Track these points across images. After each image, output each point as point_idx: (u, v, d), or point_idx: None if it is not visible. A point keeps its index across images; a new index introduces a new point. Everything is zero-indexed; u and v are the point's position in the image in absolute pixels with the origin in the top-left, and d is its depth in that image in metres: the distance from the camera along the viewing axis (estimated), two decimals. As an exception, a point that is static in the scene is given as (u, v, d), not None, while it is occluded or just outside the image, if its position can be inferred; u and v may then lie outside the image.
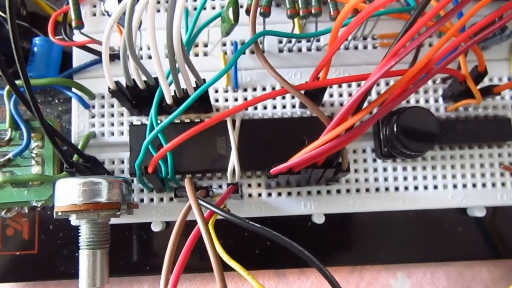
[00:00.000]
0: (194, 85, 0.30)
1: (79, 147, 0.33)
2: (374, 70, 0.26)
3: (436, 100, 0.36)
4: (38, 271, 0.36)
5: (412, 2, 0.31)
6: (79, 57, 0.36)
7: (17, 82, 0.27)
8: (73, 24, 0.31)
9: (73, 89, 0.35)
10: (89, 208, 0.28)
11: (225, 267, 0.25)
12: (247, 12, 0.31)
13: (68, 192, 0.28)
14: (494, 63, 0.36)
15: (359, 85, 0.36)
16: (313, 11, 0.31)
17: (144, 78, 0.30)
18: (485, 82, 0.36)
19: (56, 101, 0.38)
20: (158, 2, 0.37)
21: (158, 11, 0.37)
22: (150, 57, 0.36)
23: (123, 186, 0.30)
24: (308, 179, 0.33)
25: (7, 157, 0.33)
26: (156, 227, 0.35)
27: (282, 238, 0.24)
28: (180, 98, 0.30)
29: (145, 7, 0.25)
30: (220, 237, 0.36)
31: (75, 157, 0.32)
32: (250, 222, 0.25)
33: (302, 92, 0.32)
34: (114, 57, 0.34)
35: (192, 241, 0.25)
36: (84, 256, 0.29)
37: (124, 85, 0.31)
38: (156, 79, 0.30)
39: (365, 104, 0.27)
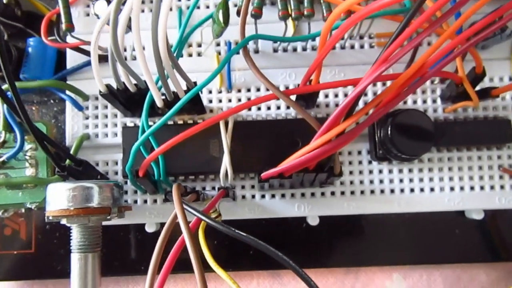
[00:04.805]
0: (184, 88, 0.30)
1: (72, 149, 0.34)
2: (365, 75, 0.25)
3: (434, 101, 0.35)
4: (36, 270, 0.37)
5: (408, 3, 0.30)
6: (73, 58, 0.36)
7: (5, 86, 0.27)
8: (64, 27, 0.31)
9: (67, 91, 0.35)
10: (80, 213, 0.28)
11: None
12: (238, 13, 0.30)
13: (59, 197, 0.29)
14: (495, 63, 0.35)
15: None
16: (305, 12, 0.30)
17: (134, 81, 0.30)
18: (485, 81, 0.35)
19: (52, 101, 0.38)
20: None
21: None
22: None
23: (114, 190, 0.30)
24: (301, 182, 0.32)
25: (1, 159, 0.33)
26: (150, 228, 0.35)
27: (267, 247, 0.23)
28: (171, 101, 0.30)
29: (129, 13, 0.25)
30: (215, 238, 0.36)
31: (68, 160, 0.32)
32: (236, 231, 0.24)
33: (294, 96, 0.31)
34: (106, 57, 0.34)
35: (177, 249, 0.25)
36: (75, 260, 0.29)
37: (115, 88, 0.31)
38: (146, 82, 0.30)
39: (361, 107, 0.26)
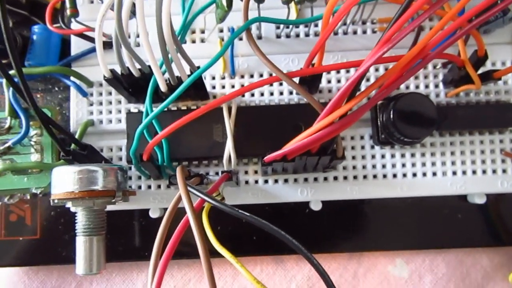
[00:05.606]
0: (188, 72, 0.30)
1: (77, 135, 0.34)
2: (366, 56, 0.25)
3: (437, 86, 0.35)
4: (41, 256, 0.37)
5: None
6: (77, 45, 0.36)
7: (12, 72, 0.28)
8: (68, 12, 0.32)
9: (71, 77, 0.35)
10: (85, 196, 0.29)
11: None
12: (241, -3, 0.30)
13: (64, 180, 0.29)
14: (497, 47, 0.35)
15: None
16: (308, -5, 0.30)
17: (138, 66, 0.30)
18: (488, 66, 0.35)
19: (57, 88, 0.38)
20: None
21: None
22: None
23: (118, 174, 0.30)
24: (304, 166, 0.33)
25: (6, 145, 0.33)
26: (154, 214, 0.35)
27: (269, 226, 0.24)
28: (175, 85, 0.30)
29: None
30: (219, 223, 0.37)
31: (73, 145, 0.32)
32: (240, 211, 0.25)
33: (297, 79, 0.32)
34: (110, 44, 0.34)
35: (181, 229, 0.25)
36: (80, 242, 0.29)
37: (120, 73, 0.31)
38: (150, 66, 0.30)
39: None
